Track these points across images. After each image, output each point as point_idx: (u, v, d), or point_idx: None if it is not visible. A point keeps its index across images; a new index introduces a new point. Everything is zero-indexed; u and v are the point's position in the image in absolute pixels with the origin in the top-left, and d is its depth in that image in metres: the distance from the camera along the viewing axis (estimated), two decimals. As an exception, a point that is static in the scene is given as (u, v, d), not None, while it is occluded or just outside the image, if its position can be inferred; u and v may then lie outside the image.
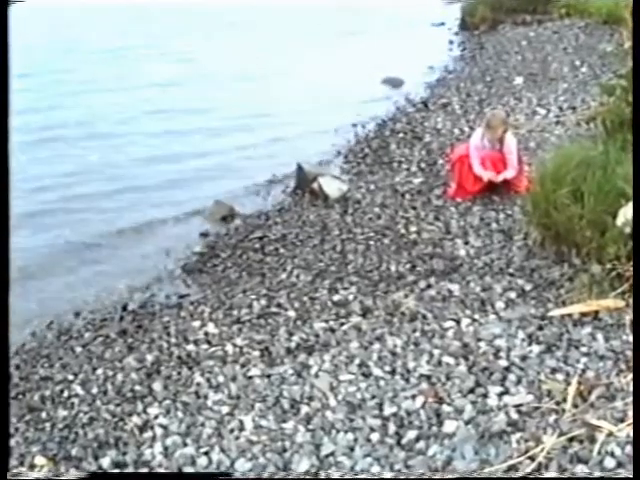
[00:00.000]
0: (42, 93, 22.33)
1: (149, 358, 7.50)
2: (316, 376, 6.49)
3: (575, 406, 5.27)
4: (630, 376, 5.41)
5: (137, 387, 6.96)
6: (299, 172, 12.85)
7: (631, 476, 4.43)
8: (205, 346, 7.52)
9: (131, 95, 21.69)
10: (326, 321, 7.61)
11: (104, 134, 17.72)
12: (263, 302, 8.37)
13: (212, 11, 41.90)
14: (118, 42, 31.11)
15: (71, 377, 7.48)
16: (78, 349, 8.19)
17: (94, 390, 7.10)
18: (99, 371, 7.46)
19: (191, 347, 7.55)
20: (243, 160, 15.49)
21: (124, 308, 9.19)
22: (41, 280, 10.34)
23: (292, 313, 7.97)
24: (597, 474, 4.58)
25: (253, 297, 8.56)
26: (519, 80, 18.04)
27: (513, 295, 7.37)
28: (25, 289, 9.79)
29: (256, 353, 7.15)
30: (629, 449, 4.64)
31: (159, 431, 6.14)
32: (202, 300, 8.90)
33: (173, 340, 7.81)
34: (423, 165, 12.69)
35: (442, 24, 33.29)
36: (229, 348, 7.34)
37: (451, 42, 28.15)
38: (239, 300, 8.56)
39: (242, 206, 12.58)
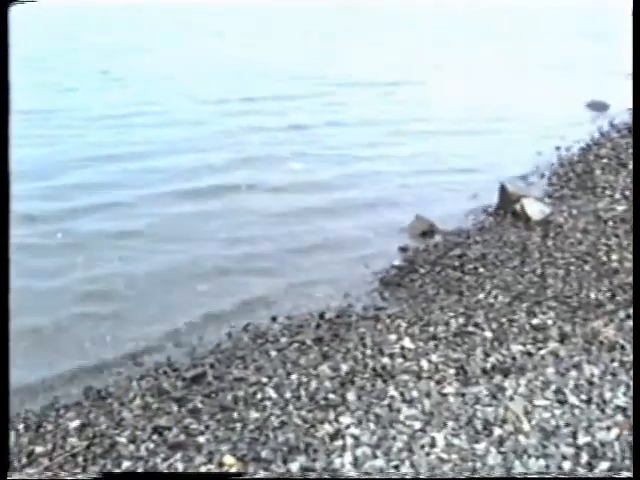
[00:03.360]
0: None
1: (344, 367, 7.54)
2: (511, 399, 6.42)
3: None
4: None
5: (330, 395, 7.02)
6: (502, 192, 12.76)
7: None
8: (400, 360, 7.52)
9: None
10: (523, 344, 7.53)
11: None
12: (461, 320, 8.34)
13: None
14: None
15: (265, 380, 7.59)
16: (273, 353, 8.32)
17: (287, 395, 7.19)
18: (293, 376, 7.56)
19: (386, 360, 7.56)
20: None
21: (321, 316, 9.29)
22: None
23: (489, 334, 7.91)
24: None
25: (451, 315, 8.54)
26: None
27: None
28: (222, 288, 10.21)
29: (451, 371, 7.12)
30: None
31: (350, 441, 6.16)
32: (399, 314, 8.91)
33: (368, 352, 7.83)
34: (627, 192, 12.40)
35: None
36: (424, 364, 7.33)
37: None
38: (436, 317, 8.55)
39: (443, 223, 12.61)
